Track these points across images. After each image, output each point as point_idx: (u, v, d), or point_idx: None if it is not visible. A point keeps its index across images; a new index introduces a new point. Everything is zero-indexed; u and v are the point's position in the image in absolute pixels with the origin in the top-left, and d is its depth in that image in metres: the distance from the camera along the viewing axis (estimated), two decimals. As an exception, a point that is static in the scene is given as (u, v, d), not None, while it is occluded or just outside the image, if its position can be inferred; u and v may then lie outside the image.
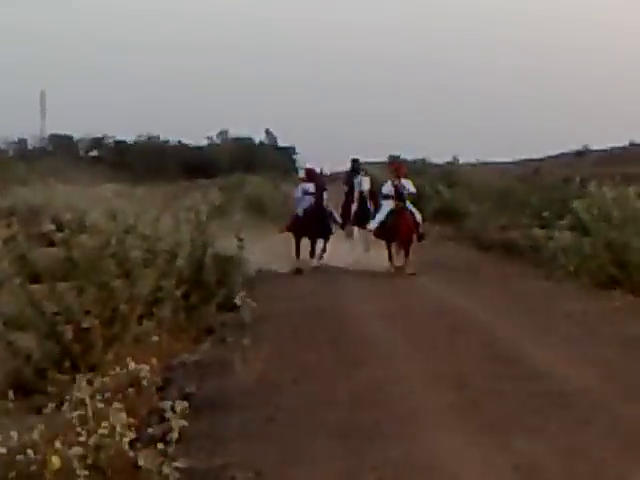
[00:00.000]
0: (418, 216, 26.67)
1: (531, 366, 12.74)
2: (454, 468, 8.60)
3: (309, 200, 27.45)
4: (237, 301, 16.63)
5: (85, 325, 12.94)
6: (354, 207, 29.21)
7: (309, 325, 16.62)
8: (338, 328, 16.16)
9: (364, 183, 29.06)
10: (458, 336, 15.18)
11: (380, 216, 26.64)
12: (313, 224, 27.04)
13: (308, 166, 30.39)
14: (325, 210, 27.56)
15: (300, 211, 27.67)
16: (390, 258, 26.62)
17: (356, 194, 29.18)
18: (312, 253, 27.61)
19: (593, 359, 13.12)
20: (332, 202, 28.65)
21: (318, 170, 29.24)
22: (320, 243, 27.67)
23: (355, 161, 30.07)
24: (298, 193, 28.36)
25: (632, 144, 72.66)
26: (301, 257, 27.48)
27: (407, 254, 26.17)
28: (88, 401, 8.65)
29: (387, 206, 26.42)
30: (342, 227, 29.52)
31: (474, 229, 34.74)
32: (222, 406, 10.69)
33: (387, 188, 26.56)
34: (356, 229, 29.49)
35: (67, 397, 9.77)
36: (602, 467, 8.43)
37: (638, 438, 9.25)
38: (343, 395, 11.39)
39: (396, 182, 26.11)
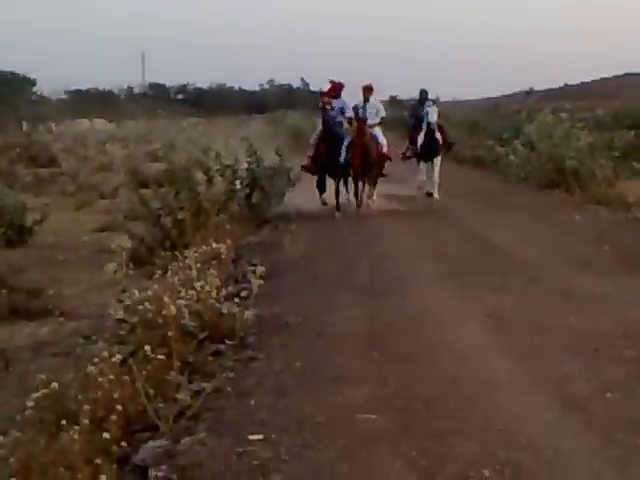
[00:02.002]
0: (382, 139, 17.63)
1: (493, 244, 12.76)
2: (441, 313, 8.67)
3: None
4: (285, 199, 16.61)
5: (180, 217, 13.04)
6: (421, 138, 19.81)
7: (338, 221, 16.53)
8: (356, 223, 16.09)
9: (432, 114, 19.42)
10: (442, 224, 15.19)
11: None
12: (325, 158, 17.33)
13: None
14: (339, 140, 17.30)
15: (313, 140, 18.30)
16: (355, 193, 17.47)
17: (423, 126, 19.57)
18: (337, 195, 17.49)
19: (539, 238, 13.13)
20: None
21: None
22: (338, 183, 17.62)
23: (423, 91, 20.56)
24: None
25: (566, 85, 72.70)
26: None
27: (372, 183, 17.67)
28: (193, 265, 8.77)
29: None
30: (404, 157, 20.49)
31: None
32: (277, 273, 10.75)
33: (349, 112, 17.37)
34: (422, 163, 20.14)
35: (170, 267, 9.89)
36: (548, 312, 8.47)
37: (572, 293, 9.29)
38: (363, 264, 11.47)
39: (359, 105, 17.29)
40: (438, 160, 19.58)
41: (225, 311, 7.92)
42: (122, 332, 6.78)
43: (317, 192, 18.00)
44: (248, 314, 7.95)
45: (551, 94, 61.53)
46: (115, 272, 8.19)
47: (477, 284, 9.85)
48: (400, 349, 7.34)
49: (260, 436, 5.46)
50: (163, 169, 13.80)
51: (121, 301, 7.50)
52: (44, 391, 6.03)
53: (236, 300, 8.61)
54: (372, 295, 9.58)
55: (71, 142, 38.94)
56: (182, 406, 5.94)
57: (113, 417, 5.45)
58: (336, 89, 17.89)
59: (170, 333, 6.43)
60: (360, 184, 17.32)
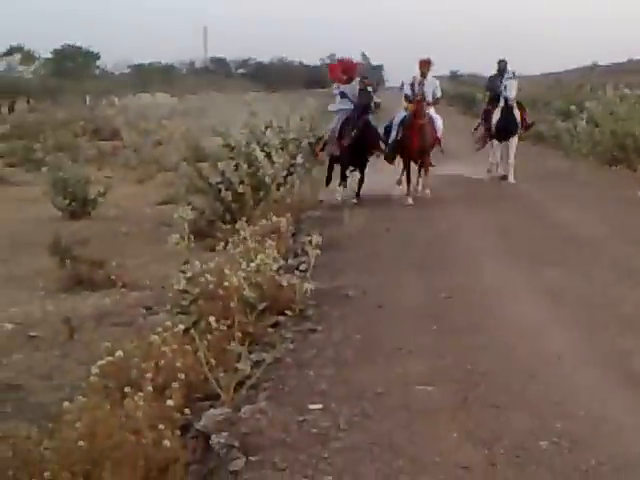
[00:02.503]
0: (439, 123, 15.32)
1: (555, 220, 12.66)
2: (502, 288, 8.67)
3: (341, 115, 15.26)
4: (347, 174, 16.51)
5: (240, 190, 13.13)
6: (496, 117, 17.34)
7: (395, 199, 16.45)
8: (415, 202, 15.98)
9: (511, 88, 16.70)
10: (502, 201, 15.05)
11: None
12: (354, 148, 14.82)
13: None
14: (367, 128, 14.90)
15: (332, 130, 15.44)
16: (400, 182, 15.79)
17: (500, 101, 17.05)
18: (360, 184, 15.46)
19: (601, 214, 13.00)
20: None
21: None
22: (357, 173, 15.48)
23: (501, 62, 17.73)
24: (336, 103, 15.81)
25: (630, 59, 71.31)
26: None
27: (425, 169, 15.53)
28: (254, 238, 8.84)
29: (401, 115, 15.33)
30: (479, 143, 18.57)
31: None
32: (336, 247, 10.81)
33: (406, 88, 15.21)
34: (496, 143, 17.81)
35: (230, 240, 10.00)
36: (607, 289, 8.43)
37: (632, 270, 9.22)
38: (423, 240, 11.47)
39: (416, 80, 14.96)
40: (515, 140, 17.36)
41: (285, 283, 8.01)
42: (184, 303, 6.90)
43: (328, 182, 15.78)
44: (307, 286, 8.03)
45: (615, 69, 60.47)
46: (177, 243, 8.35)
47: (538, 260, 9.81)
48: (459, 323, 7.38)
49: (319, 406, 5.55)
50: (223, 143, 13.82)
51: (183, 272, 7.62)
52: (108, 359, 6.18)
53: (295, 273, 8.71)
54: (432, 270, 9.60)
55: (133, 116, 39.39)
56: (242, 376, 6.04)
57: (175, 385, 5.56)
58: (351, 69, 15.70)
59: (231, 304, 6.52)
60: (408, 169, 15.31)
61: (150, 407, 5.20)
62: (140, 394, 5.27)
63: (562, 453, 4.71)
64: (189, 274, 7.64)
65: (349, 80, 15.38)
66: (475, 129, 18.75)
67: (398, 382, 5.93)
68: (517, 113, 17.23)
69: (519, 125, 17.33)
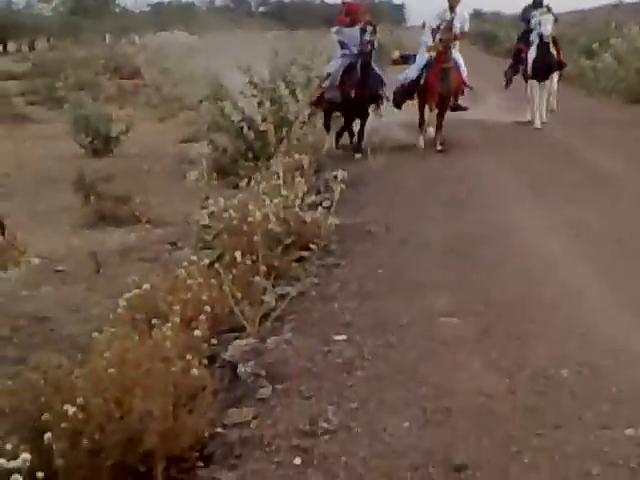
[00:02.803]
0: (463, 67, 13.84)
1: (577, 158, 12.61)
2: (523, 224, 8.70)
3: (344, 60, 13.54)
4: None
5: (262, 128, 13.15)
6: (531, 54, 15.78)
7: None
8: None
9: (546, 24, 15.24)
10: (523, 138, 14.94)
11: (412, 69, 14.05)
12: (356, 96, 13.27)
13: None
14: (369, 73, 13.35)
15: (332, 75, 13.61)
16: (421, 124, 14.08)
17: (534, 38, 15.69)
18: (350, 135, 14.13)
19: (623, 152, 12.92)
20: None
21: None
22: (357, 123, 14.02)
23: None
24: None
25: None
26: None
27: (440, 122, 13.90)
28: (279, 174, 8.86)
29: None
30: (508, 82, 17.09)
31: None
32: (359, 184, 10.80)
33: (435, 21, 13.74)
34: (534, 83, 15.87)
35: (253, 177, 10.07)
36: (630, 224, 8.45)
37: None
38: (446, 177, 11.45)
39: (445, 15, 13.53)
40: (554, 78, 16.02)
41: (309, 219, 8.07)
42: (207, 238, 6.99)
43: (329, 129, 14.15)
44: (332, 221, 8.09)
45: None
46: (197, 180, 8.43)
47: (560, 196, 9.81)
48: (482, 257, 7.44)
49: (344, 337, 5.64)
50: (245, 81, 13.80)
51: (205, 208, 7.71)
52: (136, 292, 6.29)
53: (319, 209, 8.77)
54: (455, 206, 9.62)
55: (153, 54, 39.29)
56: (268, 308, 6.14)
57: (202, 317, 5.66)
58: (356, 11, 14.01)
59: (256, 238, 6.59)
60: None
61: (178, 337, 5.30)
62: (168, 325, 5.38)
63: (583, 381, 4.79)
64: (211, 209, 7.74)
65: (352, 23, 13.65)
66: (508, 69, 17.13)
67: (421, 314, 6.01)
68: (554, 50, 15.80)
69: (556, 62, 15.95)
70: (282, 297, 6.40)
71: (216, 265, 6.45)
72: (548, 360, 5.08)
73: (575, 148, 13.49)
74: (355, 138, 13.98)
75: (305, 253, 7.79)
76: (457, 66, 13.76)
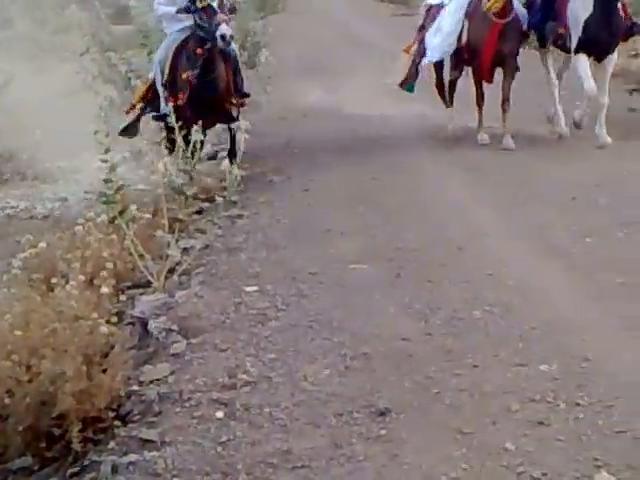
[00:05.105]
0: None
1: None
2: (424, 168, 8.78)
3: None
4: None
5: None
6: (583, 13, 9.04)
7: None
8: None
9: None
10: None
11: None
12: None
13: None
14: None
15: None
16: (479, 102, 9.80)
17: None
18: None
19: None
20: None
21: None
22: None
23: None
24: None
25: None
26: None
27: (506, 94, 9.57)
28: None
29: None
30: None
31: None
32: (256, 134, 10.68)
33: None
34: (582, 59, 9.15)
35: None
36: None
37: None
38: (345, 126, 10.94)
39: None
40: (614, 57, 9.48)
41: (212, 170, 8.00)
42: (109, 192, 6.85)
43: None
44: (237, 172, 7.98)
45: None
46: (95, 133, 8.21)
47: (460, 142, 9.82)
48: (386, 203, 7.53)
49: (255, 288, 5.66)
50: (134, 30, 13.47)
51: (105, 162, 7.53)
52: (31, 251, 6.14)
53: (217, 160, 8.69)
54: (355, 152, 9.58)
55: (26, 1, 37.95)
56: (173, 263, 6.09)
57: (104, 274, 5.56)
58: None
59: (159, 191, 6.51)
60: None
61: (82, 296, 5.21)
62: (72, 283, 5.27)
63: (496, 321, 4.94)
64: (111, 163, 7.58)
65: None
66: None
67: (331, 262, 6.07)
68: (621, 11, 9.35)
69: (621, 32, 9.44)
70: (187, 251, 6.37)
71: (117, 220, 6.33)
72: (460, 301, 5.22)
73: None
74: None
75: (205, 205, 7.75)
76: (517, 18, 9.68)
